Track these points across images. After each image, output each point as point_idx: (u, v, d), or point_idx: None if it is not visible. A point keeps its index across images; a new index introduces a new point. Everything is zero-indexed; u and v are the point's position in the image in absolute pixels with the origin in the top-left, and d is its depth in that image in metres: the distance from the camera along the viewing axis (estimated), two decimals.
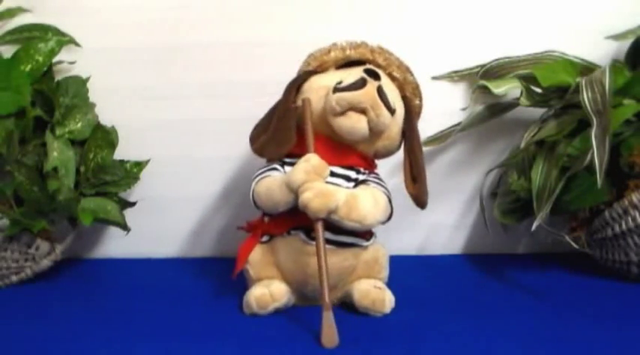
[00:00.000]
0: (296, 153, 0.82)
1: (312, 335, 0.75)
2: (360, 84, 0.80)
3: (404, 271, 0.97)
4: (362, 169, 0.85)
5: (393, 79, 0.87)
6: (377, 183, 0.85)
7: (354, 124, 0.80)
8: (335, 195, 0.78)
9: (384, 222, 0.84)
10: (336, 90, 0.81)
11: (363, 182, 0.85)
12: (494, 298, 0.88)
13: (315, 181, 0.78)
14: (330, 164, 0.81)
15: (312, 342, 0.74)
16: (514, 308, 0.85)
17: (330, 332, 0.74)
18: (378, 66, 0.86)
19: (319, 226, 0.78)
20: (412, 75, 0.88)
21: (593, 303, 0.86)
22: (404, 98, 0.88)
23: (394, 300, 0.84)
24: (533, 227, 0.85)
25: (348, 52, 0.86)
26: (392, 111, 0.82)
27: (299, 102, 0.85)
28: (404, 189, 0.87)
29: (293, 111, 0.85)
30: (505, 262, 1.05)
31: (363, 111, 0.80)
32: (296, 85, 0.86)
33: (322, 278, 0.77)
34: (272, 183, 0.82)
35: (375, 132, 0.82)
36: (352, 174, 0.84)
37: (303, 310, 0.84)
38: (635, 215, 0.87)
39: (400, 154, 0.89)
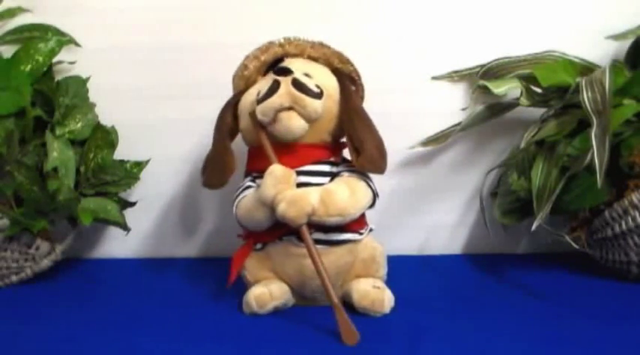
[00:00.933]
0: (263, 168, 0.82)
1: (311, 335, 0.76)
2: (274, 88, 0.81)
3: (404, 271, 0.97)
4: (333, 160, 0.85)
5: (314, 59, 0.87)
6: (349, 170, 0.84)
7: (288, 124, 0.81)
8: (308, 198, 0.78)
9: (370, 206, 0.84)
10: (257, 102, 0.82)
11: (337, 174, 0.84)
12: (494, 298, 0.88)
13: (285, 191, 0.78)
14: (299, 166, 0.82)
15: (312, 342, 0.74)
16: (514, 308, 0.85)
17: (348, 330, 0.74)
18: (295, 55, 0.87)
19: (305, 231, 0.79)
20: (330, 47, 0.88)
21: (593, 303, 0.85)
22: (336, 71, 0.88)
23: (394, 300, 0.84)
24: (533, 227, 0.85)
25: (262, 58, 0.87)
26: (317, 95, 0.82)
27: (244, 124, 0.86)
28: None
29: (227, 138, 0.87)
30: (505, 262, 1.05)
31: (290, 109, 0.81)
32: (229, 110, 0.88)
33: (324, 280, 0.78)
34: (249, 204, 0.83)
35: (313, 121, 0.82)
36: (326, 167, 0.84)
37: (302, 310, 0.84)
38: (635, 215, 0.87)
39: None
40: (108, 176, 1.01)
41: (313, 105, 0.81)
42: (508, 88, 0.99)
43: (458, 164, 1.09)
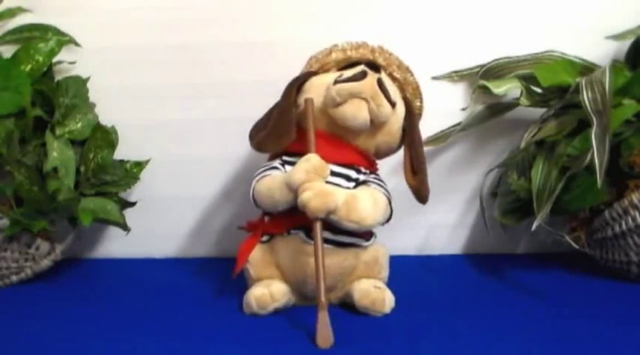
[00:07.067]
0: (296, 152, 0.82)
1: (311, 335, 0.75)
2: (360, 75, 0.81)
3: (404, 271, 0.97)
4: (362, 169, 0.85)
5: (393, 79, 0.87)
6: (377, 184, 0.85)
7: (356, 112, 0.81)
8: (334, 195, 0.78)
9: (383, 224, 0.84)
10: (336, 82, 0.82)
11: (364, 182, 0.85)
12: (494, 298, 0.88)
13: (315, 181, 0.78)
14: (331, 162, 0.81)
15: (312, 342, 0.74)
16: (514, 308, 0.85)
17: (325, 332, 0.74)
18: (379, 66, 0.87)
19: (318, 226, 0.78)
20: (412, 75, 0.89)
21: (593, 303, 0.86)
22: (404, 99, 0.88)
23: (394, 300, 0.84)
24: (533, 227, 0.85)
25: (349, 52, 0.87)
26: (392, 104, 0.83)
27: (300, 102, 0.85)
28: (404, 189, 0.87)
29: (293, 108, 0.85)
30: (505, 262, 1.05)
31: (364, 101, 0.81)
32: (297, 85, 0.86)
33: (319, 277, 0.77)
34: (272, 182, 0.82)
35: (376, 123, 0.83)
36: (352, 173, 0.84)
37: (303, 310, 0.84)
38: (635, 215, 0.87)
39: (400, 155, 0.89)
40: (108, 176, 1.01)
41: (386, 109, 0.82)
42: (508, 88, 0.99)
43: (458, 164, 1.09)
